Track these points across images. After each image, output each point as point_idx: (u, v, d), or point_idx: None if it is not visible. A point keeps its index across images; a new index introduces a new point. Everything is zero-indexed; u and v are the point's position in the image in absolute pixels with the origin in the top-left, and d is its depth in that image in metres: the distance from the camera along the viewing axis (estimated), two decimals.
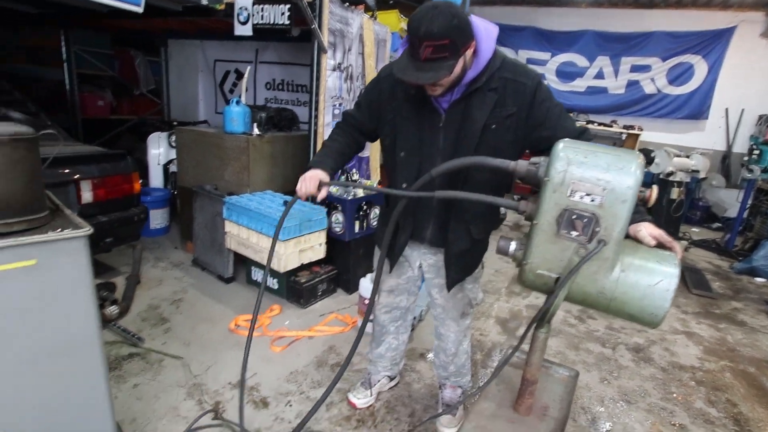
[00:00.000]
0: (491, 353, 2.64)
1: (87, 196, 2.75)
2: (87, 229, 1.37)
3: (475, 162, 1.24)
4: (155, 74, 5.60)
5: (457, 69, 1.30)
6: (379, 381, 2.14)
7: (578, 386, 2.37)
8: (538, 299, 3.48)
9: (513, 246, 1.21)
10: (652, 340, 3.00)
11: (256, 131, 3.28)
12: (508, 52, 8.28)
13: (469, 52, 1.30)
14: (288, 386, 2.19)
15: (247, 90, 4.51)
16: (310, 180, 1.55)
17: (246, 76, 3.45)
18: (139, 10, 2.61)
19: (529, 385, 1.41)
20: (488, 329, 2.94)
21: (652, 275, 1.15)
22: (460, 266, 1.65)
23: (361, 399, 2.07)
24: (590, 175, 1.07)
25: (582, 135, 1.44)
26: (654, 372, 2.64)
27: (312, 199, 1.61)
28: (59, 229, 1.28)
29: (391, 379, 2.21)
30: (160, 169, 4.31)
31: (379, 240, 1.81)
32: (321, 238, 2.98)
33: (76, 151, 2.82)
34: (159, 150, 4.27)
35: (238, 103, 3.33)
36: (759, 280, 4.48)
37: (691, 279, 4.16)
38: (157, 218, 3.99)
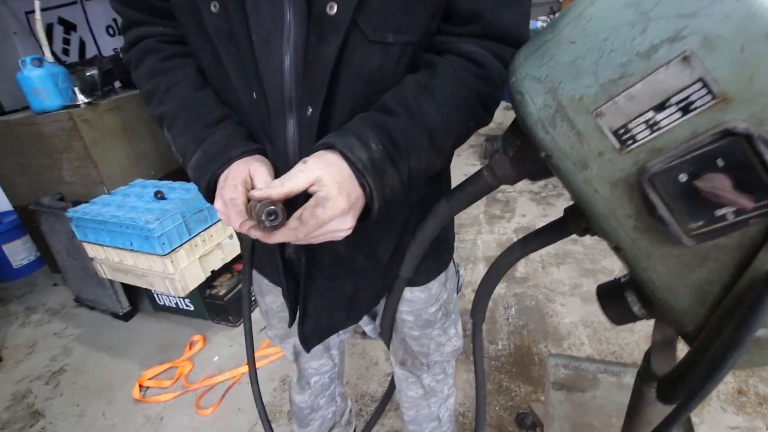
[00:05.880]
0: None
1: None
2: None
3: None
4: None
5: None
6: None
7: None
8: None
9: (636, 307, 0.51)
10: None
11: (82, 99, 2.17)
12: None
13: None
14: None
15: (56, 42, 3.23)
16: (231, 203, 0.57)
17: (37, 15, 2.21)
18: None
19: None
20: None
21: None
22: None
23: None
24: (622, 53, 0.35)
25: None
26: None
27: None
28: None
29: None
30: None
31: None
32: (227, 227, 2.09)
33: None
34: None
35: (40, 63, 2.16)
36: None
37: None
38: (18, 252, 2.94)
